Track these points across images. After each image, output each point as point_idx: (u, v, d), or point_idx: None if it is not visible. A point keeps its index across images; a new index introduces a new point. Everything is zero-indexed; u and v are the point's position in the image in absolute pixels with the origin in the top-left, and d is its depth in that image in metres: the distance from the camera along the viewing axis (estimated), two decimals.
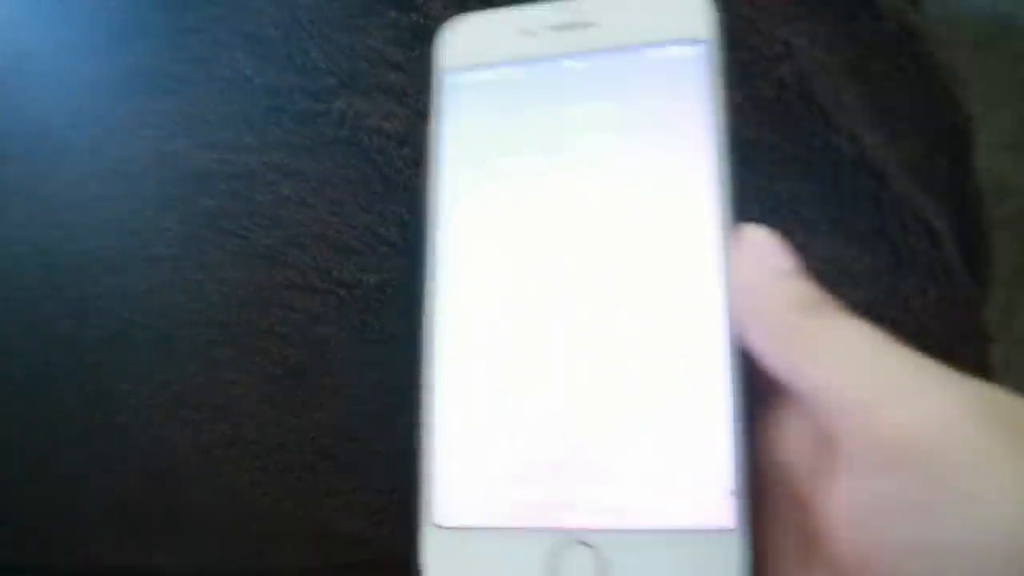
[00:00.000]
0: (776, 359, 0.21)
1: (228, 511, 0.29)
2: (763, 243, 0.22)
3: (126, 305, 0.29)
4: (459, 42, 0.27)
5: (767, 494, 0.22)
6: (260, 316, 0.28)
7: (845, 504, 0.18)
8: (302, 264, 0.28)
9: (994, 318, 0.30)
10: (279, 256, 0.28)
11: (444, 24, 0.27)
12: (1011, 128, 0.32)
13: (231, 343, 0.28)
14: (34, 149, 0.30)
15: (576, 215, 0.25)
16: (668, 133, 0.25)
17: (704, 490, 0.22)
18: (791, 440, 0.21)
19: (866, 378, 0.18)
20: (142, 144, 0.30)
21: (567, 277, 0.24)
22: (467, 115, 0.26)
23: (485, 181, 0.25)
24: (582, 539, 0.22)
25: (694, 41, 0.25)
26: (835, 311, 0.20)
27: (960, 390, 0.17)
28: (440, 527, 0.23)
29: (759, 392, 0.22)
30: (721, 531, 0.21)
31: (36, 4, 0.31)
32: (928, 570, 0.16)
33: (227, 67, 0.30)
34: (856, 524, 0.18)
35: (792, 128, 0.30)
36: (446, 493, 0.23)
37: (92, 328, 0.28)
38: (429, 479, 0.24)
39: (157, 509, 0.29)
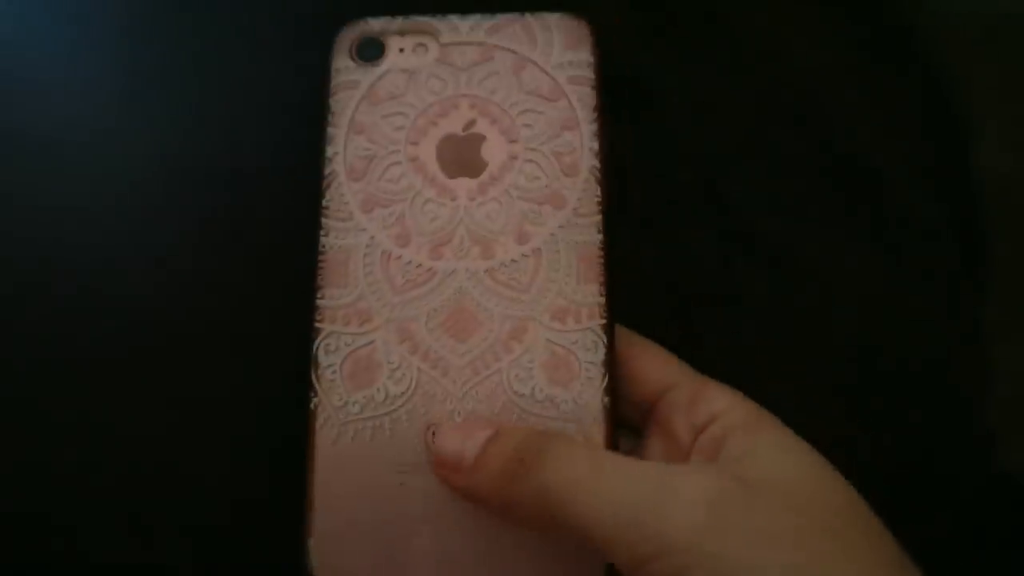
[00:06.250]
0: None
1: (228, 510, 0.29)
2: None
3: (126, 306, 0.29)
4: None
5: None
6: (260, 317, 0.28)
7: None
8: (301, 266, 0.28)
9: (994, 318, 0.30)
10: (280, 257, 0.28)
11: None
12: (1011, 128, 0.32)
13: (232, 344, 0.28)
14: (32, 150, 0.30)
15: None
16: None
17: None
18: None
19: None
20: (142, 145, 0.30)
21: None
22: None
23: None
24: None
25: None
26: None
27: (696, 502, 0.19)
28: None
29: None
30: None
31: (36, 4, 0.31)
32: None
33: (227, 67, 0.30)
34: None
35: (792, 127, 0.30)
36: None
37: (91, 329, 0.28)
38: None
39: (155, 507, 0.29)
